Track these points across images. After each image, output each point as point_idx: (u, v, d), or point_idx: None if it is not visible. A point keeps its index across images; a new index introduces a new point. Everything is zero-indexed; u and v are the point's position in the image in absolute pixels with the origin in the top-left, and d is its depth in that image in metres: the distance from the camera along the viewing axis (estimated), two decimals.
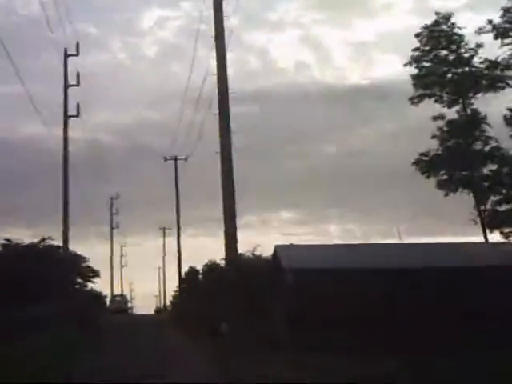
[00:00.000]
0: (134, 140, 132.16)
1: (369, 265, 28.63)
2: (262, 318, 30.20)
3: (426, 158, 45.03)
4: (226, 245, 26.70)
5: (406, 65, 46.54)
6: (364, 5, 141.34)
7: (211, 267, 47.52)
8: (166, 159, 64.50)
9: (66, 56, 47.00)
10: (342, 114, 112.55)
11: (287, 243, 33.83)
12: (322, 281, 27.68)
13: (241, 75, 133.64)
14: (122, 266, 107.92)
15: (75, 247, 48.04)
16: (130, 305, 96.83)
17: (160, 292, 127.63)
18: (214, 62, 28.34)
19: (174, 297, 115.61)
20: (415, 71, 45.16)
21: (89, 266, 48.20)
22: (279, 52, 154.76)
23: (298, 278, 28.26)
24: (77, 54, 47.40)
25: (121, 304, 75.03)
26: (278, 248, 30.77)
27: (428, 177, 45.70)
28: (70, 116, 46.80)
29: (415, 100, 46.47)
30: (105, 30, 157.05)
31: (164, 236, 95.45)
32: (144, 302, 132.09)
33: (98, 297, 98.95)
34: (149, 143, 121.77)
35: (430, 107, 45.16)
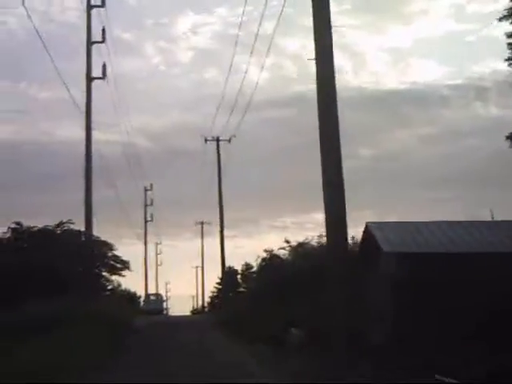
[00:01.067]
0: (169, 143, 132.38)
1: (494, 247, 20.85)
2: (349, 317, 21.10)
3: None
4: (329, 225, 18.23)
5: (500, 19, 36.98)
6: (400, 10, 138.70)
7: (272, 259, 38.14)
8: (206, 140, 55.56)
9: (90, 7, 40.20)
10: (379, 118, 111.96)
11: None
12: (437, 268, 20.30)
13: (277, 80, 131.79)
14: (157, 265, 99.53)
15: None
16: (165, 305, 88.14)
17: (197, 292, 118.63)
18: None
19: (212, 297, 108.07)
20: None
21: (116, 256, 39.12)
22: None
23: (406, 266, 19.43)
24: (102, 5, 40.47)
25: (156, 304, 66.44)
26: (371, 227, 21.53)
27: None
28: (95, 78, 38.32)
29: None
30: (139, 36, 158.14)
31: (202, 231, 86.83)
32: (180, 303, 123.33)
33: (128, 296, 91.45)
34: (184, 146, 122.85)
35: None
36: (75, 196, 38.44)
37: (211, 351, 23.16)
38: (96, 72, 39.21)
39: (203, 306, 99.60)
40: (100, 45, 39.76)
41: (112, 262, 38.95)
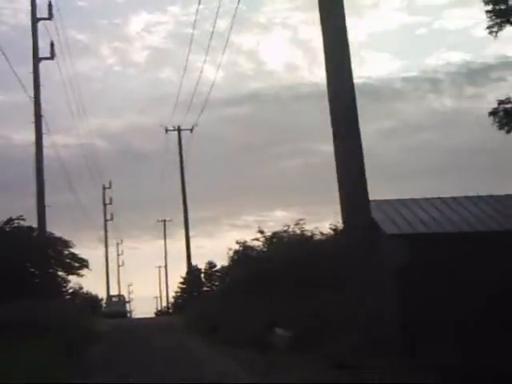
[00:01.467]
0: (125, 144, 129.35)
1: None
2: (347, 314, 18.00)
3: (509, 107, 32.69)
4: (347, 201, 15.77)
5: None
6: (352, 3, 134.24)
7: (245, 251, 34.50)
8: (167, 130, 51.96)
9: (36, 20, 37.72)
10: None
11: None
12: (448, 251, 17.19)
13: (233, 77, 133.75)
14: (118, 266, 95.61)
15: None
16: (129, 307, 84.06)
17: (161, 293, 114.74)
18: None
19: (176, 298, 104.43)
20: None
21: (74, 254, 35.07)
22: (269, 54, 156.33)
23: (410, 250, 16.34)
24: (49, 18, 38.44)
25: (119, 306, 62.26)
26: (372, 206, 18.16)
27: (508, 131, 33.14)
28: (43, 58, 34.75)
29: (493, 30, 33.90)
30: (94, 36, 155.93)
31: (164, 228, 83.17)
32: (143, 305, 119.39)
33: (90, 299, 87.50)
34: (142, 146, 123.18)
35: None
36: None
37: (191, 360, 19.52)
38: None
39: (168, 307, 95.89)
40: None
41: (69, 261, 35.01)
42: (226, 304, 28.93)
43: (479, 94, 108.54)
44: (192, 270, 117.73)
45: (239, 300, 28.19)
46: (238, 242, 35.17)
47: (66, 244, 34.69)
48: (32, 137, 33.85)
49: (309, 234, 29.68)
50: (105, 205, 70.42)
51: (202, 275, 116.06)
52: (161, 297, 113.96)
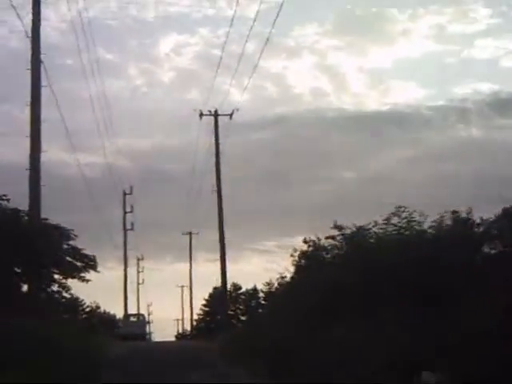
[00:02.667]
0: (152, 165, 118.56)
1: None
2: None
3: None
4: None
5: None
6: (381, 30, 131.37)
7: (317, 253, 24.28)
8: (202, 115, 42.33)
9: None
10: (361, 139, 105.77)
11: None
12: None
13: (259, 101, 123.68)
14: (138, 283, 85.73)
15: None
16: (148, 328, 74.13)
17: (183, 315, 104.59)
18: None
19: (198, 321, 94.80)
20: None
21: (77, 249, 24.62)
22: (296, 78, 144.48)
23: None
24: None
25: (137, 326, 50.77)
26: None
27: None
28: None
29: None
30: (122, 56, 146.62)
31: (190, 242, 73.40)
32: (163, 327, 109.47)
33: (106, 319, 77.69)
34: (168, 168, 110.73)
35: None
36: None
37: None
38: None
39: (192, 330, 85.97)
40: None
41: (69, 259, 24.87)
42: (297, 329, 18.92)
43: (508, 124, 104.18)
44: (215, 292, 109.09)
45: (314, 324, 18.34)
46: (306, 242, 25.28)
47: (67, 234, 24.53)
48: None
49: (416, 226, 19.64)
50: (125, 212, 60.82)
51: (228, 298, 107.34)
52: (182, 319, 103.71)
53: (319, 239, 24.63)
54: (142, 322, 51.81)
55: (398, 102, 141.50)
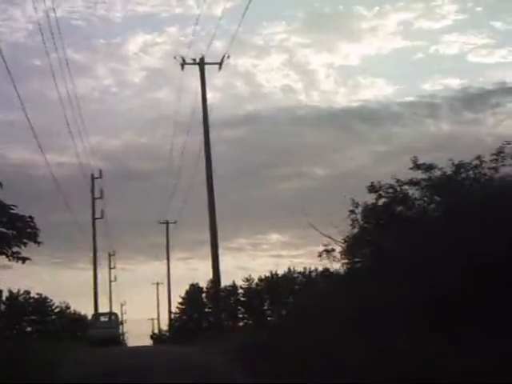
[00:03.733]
0: (123, 164, 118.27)
1: None
2: None
3: None
4: None
5: None
6: (349, 28, 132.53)
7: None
8: (184, 63, 33.78)
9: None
10: (331, 136, 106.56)
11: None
12: None
13: (230, 99, 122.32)
14: (110, 281, 77.33)
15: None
16: (121, 330, 65.46)
17: (158, 314, 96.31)
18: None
19: (174, 320, 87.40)
20: None
21: (15, 216, 16.51)
22: (266, 76, 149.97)
23: None
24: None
25: (109, 328, 41.43)
26: None
27: None
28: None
29: None
30: (90, 56, 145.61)
31: (167, 232, 65.43)
32: (136, 328, 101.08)
33: (76, 318, 69.52)
34: (138, 167, 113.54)
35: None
36: None
37: None
38: None
39: (170, 330, 77.84)
40: None
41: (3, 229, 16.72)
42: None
43: (477, 119, 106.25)
44: (192, 290, 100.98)
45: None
46: (373, 188, 17.21)
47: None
48: None
49: None
50: (93, 198, 52.23)
51: (204, 295, 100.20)
52: (158, 318, 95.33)
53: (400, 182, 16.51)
54: (114, 322, 43.26)
55: (368, 99, 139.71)
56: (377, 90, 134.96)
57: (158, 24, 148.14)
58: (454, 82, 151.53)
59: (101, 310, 52.32)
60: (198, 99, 33.97)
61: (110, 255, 75.58)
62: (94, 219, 51.89)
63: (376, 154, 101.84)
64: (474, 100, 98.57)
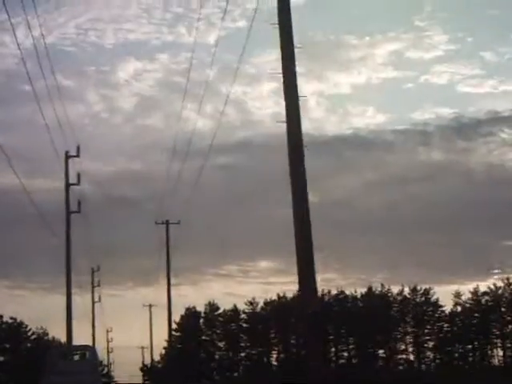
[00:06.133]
0: (113, 190, 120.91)
1: None
2: None
3: None
4: None
5: None
6: (339, 57, 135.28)
7: None
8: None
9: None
10: (324, 163, 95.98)
11: None
12: None
13: (221, 126, 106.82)
14: (93, 302, 60.56)
15: None
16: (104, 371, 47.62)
17: (151, 341, 79.44)
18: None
19: (167, 348, 71.97)
20: None
21: None
22: (257, 104, 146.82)
23: None
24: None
25: (77, 375, 25.73)
26: None
27: None
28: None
29: None
30: (81, 82, 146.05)
31: (167, 232, 49.03)
32: (124, 358, 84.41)
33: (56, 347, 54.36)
34: (128, 193, 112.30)
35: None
36: None
37: None
38: None
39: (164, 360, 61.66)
40: None
41: None
42: None
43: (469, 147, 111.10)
44: (188, 315, 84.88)
45: None
46: None
47: None
48: None
49: None
50: (68, 185, 35.81)
51: (202, 320, 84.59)
52: (151, 346, 78.47)
53: None
54: (89, 363, 25.76)
55: (359, 127, 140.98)
56: (368, 119, 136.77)
57: (149, 51, 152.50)
58: (446, 112, 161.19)
59: (78, 339, 35.76)
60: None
61: (92, 271, 58.93)
62: (68, 209, 35.28)
63: (367, 182, 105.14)
64: (467, 129, 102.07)
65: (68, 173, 35.80)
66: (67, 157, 36.09)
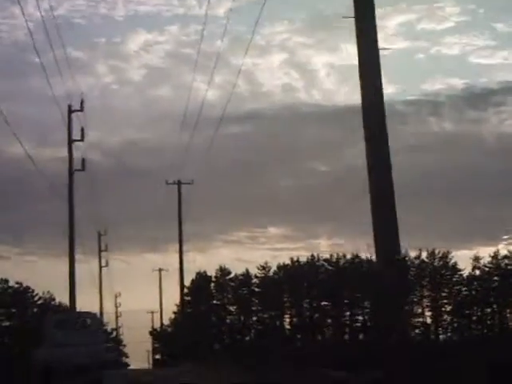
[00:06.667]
0: (122, 160, 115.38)
1: None
2: None
3: None
4: None
5: None
6: (350, 27, 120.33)
7: None
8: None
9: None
10: (335, 134, 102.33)
11: None
12: None
13: (232, 98, 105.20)
14: (100, 266, 57.89)
15: None
16: (113, 352, 43.62)
17: (161, 305, 77.25)
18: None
19: (177, 312, 70.10)
20: None
21: None
22: (267, 75, 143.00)
23: None
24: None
25: (81, 346, 20.84)
26: None
27: None
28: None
29: None
30: (91, 54, 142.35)
31: (179, 192, 46.29)
32: (133, 323, 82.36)
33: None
34: (138, 164, 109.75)
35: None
36: None
37: None
38: None
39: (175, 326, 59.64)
40: None
41: None
42: None
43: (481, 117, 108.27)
44: (198, 278, 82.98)
45: None
46: None
47: None
48: None
49: None
50: (71, 142, 32.63)
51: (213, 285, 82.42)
52: (161, 311, 76.17)
53: None
54: (92, 332, 22.18)
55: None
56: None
57: (160, 23, 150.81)
58: (457, 82, 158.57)
59: (84, 305, 33.03)
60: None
61: (99, 235, 56.07)
62: (70, 190, 32.22)
63: None
64: (478, 99, 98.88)
65: (71, 128, 32.80)
66: (70, 111, 32.99)
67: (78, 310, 31.26)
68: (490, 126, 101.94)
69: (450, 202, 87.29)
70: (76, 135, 32.70)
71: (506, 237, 75.69)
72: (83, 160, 33.06)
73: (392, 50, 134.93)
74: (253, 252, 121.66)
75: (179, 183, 45.26)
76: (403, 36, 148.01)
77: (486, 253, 73.14)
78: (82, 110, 33.02)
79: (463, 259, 77.98)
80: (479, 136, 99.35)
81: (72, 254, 32.07)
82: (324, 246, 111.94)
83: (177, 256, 53.81)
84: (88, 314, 25.55)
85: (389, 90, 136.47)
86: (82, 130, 32.78)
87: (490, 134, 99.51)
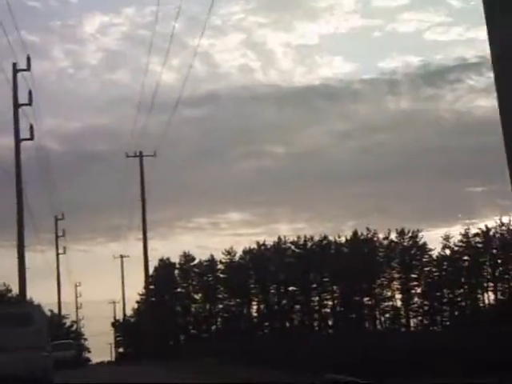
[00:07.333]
0: (81, 146, 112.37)
1: None
2: None
3: None
4: None
5: None
6: (306, 7, 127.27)
7: None
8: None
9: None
10: (293, 114, 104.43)
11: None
12: None
13: (188, 79, 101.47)
14: (57, 253, 53.15)
15: None
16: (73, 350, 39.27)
17: (123, 294, 72.53)
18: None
19: (140, 302, 66.12)
20: None
21: None
22: (224, 56, 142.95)
23: None
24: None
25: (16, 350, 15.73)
26: None
27: None
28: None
29: None
30: (46, 38, 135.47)
31: (141, 164, 41.69)
32: (94, 313, 77.53)
33: None
34: (96, 148, 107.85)
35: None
36: None
37: None
38: None
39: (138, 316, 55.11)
40: None
41: None
42: None
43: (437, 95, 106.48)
44: (162, 266, 78.75)
45: None
46: None
47: None
48: None
49: None
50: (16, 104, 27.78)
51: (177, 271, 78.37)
52: (124, 300, 71.47)
53: None
54: (33, 331, 16.80)
55: (328, 77, 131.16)
56: (336, 69, 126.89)
57: (115, 5, 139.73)
58: (413, 59, 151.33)
59: (42, 296, 28.50)
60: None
61: (56, 219, 51.22)
62: (17, 141, 27.42)
63: (336, 132, 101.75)
64: (434, 76, 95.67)
65: (16, 90, 28.02)
66: (15, 70, 28.25)
67: (38, 301, 26.83)
68: (445, 103, 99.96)
69: (407, 181, 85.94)
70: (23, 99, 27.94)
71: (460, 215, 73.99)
72: (31, 126, 28.40)
73: (349, 28, 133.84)
74: (214, 238, 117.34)
75: (141, 155, 41.07)
76: (359, 14, 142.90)
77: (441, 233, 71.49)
78: (28, 69, 28.35)
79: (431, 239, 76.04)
80: (436, 113, 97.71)
81: (21, 238, 27.72)
82: (285, 231, 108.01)
83: (138, 244, 49.67)
84: (29, 306, 20.34)
85: (346, 68, 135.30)
86: (30, 92, 28.13)
87: (446, 112, 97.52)
